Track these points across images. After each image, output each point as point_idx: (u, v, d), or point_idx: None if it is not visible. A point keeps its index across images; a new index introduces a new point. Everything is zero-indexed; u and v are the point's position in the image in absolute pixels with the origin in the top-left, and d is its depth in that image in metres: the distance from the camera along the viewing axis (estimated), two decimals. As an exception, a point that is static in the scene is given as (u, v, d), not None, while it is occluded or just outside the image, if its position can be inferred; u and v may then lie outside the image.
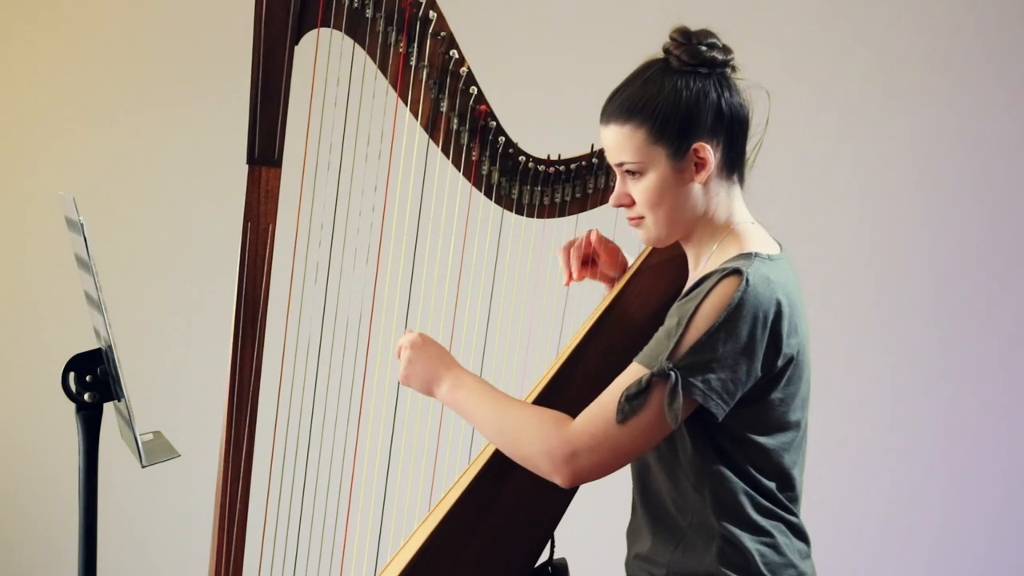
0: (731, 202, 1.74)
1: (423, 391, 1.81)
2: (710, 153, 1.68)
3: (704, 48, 1.69)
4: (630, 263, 1.98)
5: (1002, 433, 3.36)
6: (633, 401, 1.60)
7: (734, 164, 1.73)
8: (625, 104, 1.70)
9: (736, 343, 1.59)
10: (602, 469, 1.65)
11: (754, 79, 1.75)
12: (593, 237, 1.98)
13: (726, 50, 1.72)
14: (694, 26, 1.74)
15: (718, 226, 1.73)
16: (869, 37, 3.33)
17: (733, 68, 1.73)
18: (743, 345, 1.60)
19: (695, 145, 1.68)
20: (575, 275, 1.99)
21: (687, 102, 1.67)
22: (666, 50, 1.72)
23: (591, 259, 2.00)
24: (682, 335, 1.60)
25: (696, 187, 1.70)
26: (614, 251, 2.00)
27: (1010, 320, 3.35)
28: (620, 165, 1.72)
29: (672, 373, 1.59)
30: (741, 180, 1.76)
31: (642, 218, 1.74)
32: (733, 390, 1.61)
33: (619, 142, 1.71)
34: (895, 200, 3.36)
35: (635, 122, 1.69)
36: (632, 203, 1.73)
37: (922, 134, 3.34)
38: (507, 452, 1.74)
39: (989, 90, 3.31)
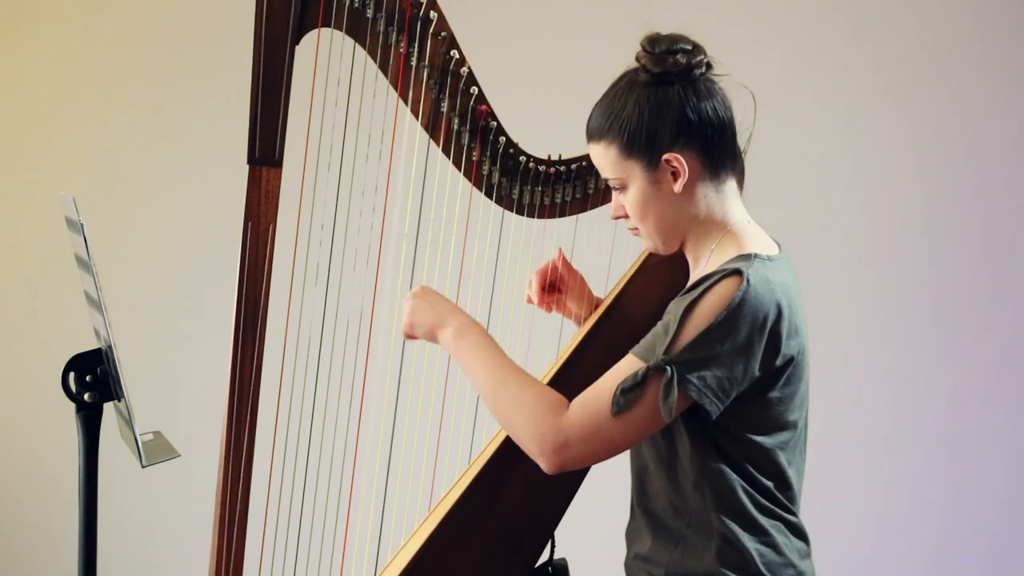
0: (724, 203, 1.74)
1: (427, 338, 1.80)
2: (682, 163, 1.68)
3: (668, 55, 1.68)
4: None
5: (1002, 433, 3.36)
6: (628, 394, 1.60)
7: (719, 166, 1.72)
8: (598, 121, 1.72)
9: (734, 343, 1.59)
10: (590, 459, 1.66)
11: (753, 78, 1.74)
12: (557, 256, 1.99)
13: (694, 52, 1.70)
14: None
15: (714, 227, 1.73)
16: (869, 37, 3.33)
17: (708, 67, 1.72)
18: (741, 345, 1.60)
19: (665, 156, 1.68)
20: (535, 297, 2.00)
21: (650, 115, 1.68)
22: (637, 59, 1.72)
23: (557, 285, 2.01)
24: (679, 331, 1.60)
25: (678, 195, 1.70)
26: (579, 279, 2.01)
27: (1010, 320, 3.35)
28: (607, 180, 1.75)
29: (668, 368, 1.59)
30: (739, 179, 1.76)
31: (638, 228, 1.75)
32: (728, 388, 1.61)
33: (599, 159, 1.74)
34: (895, 200, 3.36)
35: (607, 139, 1.70)
36: (627, 215, 1.75)
37: (922, 134, 3.34)
38: (498, 420, 1.73)
39: (989, 90, 3.31)
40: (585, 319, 1.99)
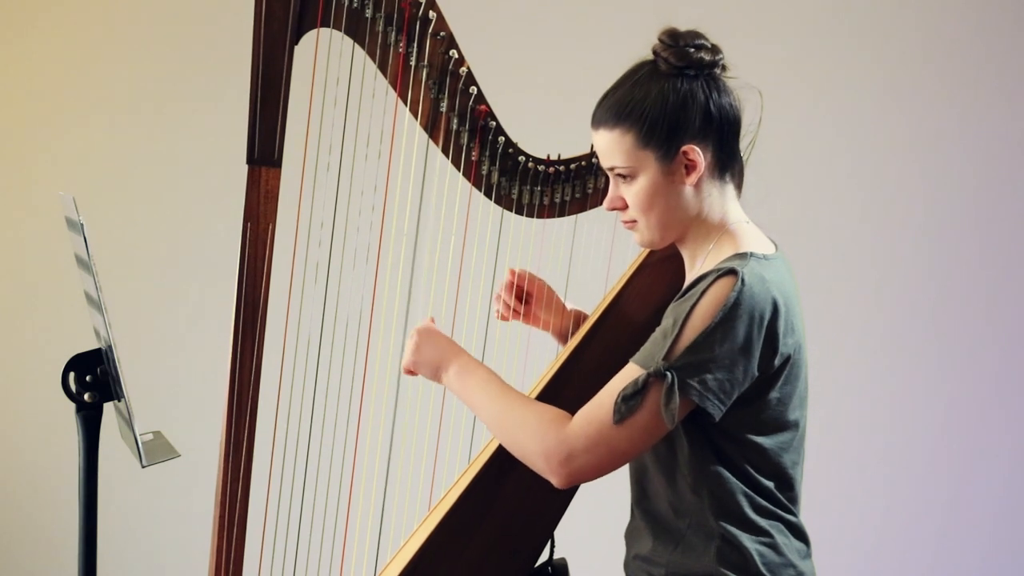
0: (724, 202, 1.74)
1: (431, 377, 1.81)
2: (700, 155, 1.68)
3: (692, 50, 1.69)
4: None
5: (1002, 433, 3.36)
6: (629, 401, 1.60)
7: (726, 164, 1.73)
8: (614, 108, 1.70)
9: (732, 343, 1.59)
10: (598, 470, 1.65)
11: (753, 78, 1.75)
12: (512, 272, 2.00)
13: (714, 50, 1.72)
14: (694, 26, 1.74)
15: (712, 226, 1.74)
16: (869, 37, 3.33)
17: (723, 67, 1.73)
18: (739, 345, 1.60)
19: (684, 148, 1.68)
20: (506, 312, 2.00)
21: (674, 105, 1.68)
22: (655, 52, 1.72)
23: (524, 298, 2.02)
24: (678, 335, 1.60)
25: (687, 189, 1.70)
26: (545, 288, 2.01)
27: (1009, 320, 3.35)
28: (611, 169, 1.73)
29: (668, 373, 1.59)
30: (738, 180, 1.76)
31: (636, 221, 1.74)
32: (730, 390, 1.61)
33: (609, 146, 1.71)
34: (894, 200, 3.36)
35: (624, 126, 1.69)
36: (625, 206, 1.74)
37: (921, 134, 3.34)
38: (507, 447, 1.74)
39: (989, 90, 3.31)
40: (559, 327, 2.00)
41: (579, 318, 2.02)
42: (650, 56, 1.73)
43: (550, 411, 1.69)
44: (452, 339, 1.83)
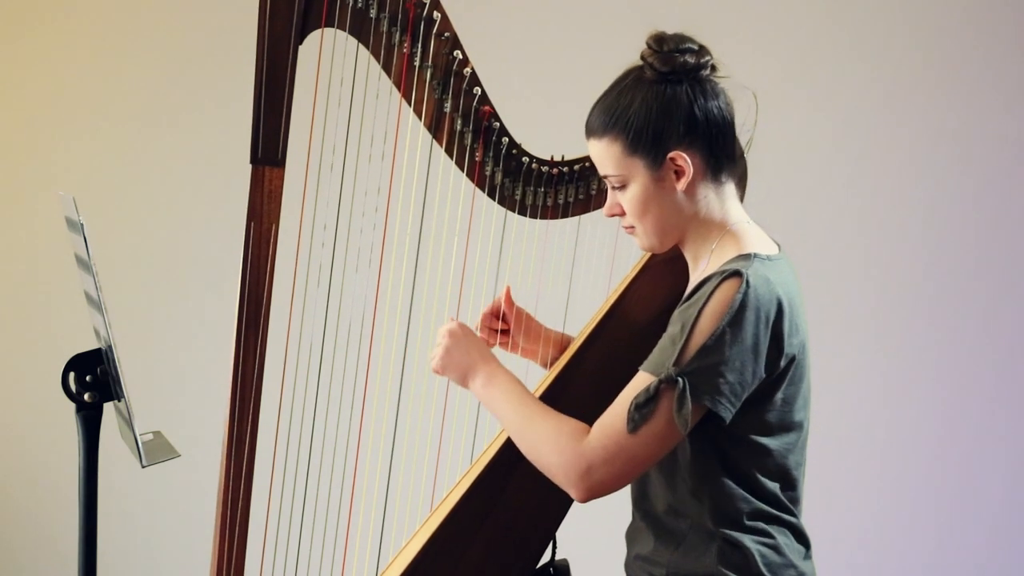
0: (723, 203, 1.73)
1: (458, 382, 1.81)
2: (687, 161, 1.68)
3: (676, 54, 1.69)
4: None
5: (1001, 433, 3.36)
6: (643, 409, 1.60)
7: (720, 166, 1.72)
8: (601, 118, 1.71)
9: (741, 345, 1.59)
10: (618, 481, 1.65)
11: (752, 78, 1.74)
12: (503, 294, 1.99)
13: (701, 53, 1.71)
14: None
15: (712, 228, 1.73)
16: (869, 38, 3.33)
17: (712, 68, 1.72)
18: (748, 347, 1.59)
19: (671, 154, 1.68)
20: (485, 336, 1.99)
21: (658, 112, 1.67)
22: (642, 57, 1.72)
23: (502, 324, 2.00)
24: (687, 340, 1.59)
25: (680, 194, 1.70)
26: (523, 316, 2.00)
27: (1010, 321, 3.35)
28: (605, 177, 1.74)
29: (680, 379, 1.58)
30: (738, 180, 1.76)
31: (634, 227, 1.74)
32: (740, 392, 1.61)
33: (600, 155, 1.72)
34: (895, 201, 3.36)
35: (611, 135, 1.70)
36: (623, 213, 1.74)
37: (922, 134, 3.34)
38: (528, 458, 1.73)
39: (988, 92, 3.31)
40: (536, 354, 2.00)
41: (561, 343, 2.02)
42: (639, 62, 1.73)
43: (568, 424, 1.68)
44: (482, 344, 1.82)
